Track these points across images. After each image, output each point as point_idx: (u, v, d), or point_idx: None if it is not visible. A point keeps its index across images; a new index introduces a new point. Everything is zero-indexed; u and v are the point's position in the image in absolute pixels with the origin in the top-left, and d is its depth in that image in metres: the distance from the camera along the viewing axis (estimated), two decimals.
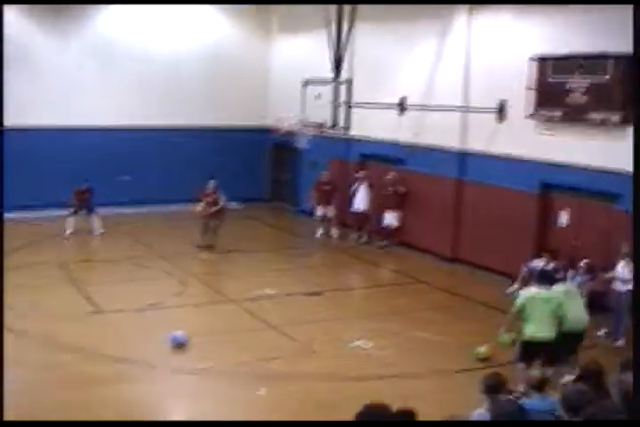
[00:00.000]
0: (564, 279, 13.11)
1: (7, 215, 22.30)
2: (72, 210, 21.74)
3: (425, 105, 20.10)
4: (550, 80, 16.58)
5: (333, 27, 21.30)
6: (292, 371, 12.36)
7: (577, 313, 11.82)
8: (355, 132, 21.75)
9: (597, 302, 14.78)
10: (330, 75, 21.18)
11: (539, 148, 17.16)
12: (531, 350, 11.25)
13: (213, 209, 20.37)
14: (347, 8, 21.10)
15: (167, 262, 19.10)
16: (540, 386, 7.53)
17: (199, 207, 20.54)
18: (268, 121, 26.35)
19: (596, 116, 15.54)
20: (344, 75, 21.36)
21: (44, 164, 24.26)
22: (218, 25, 26.68)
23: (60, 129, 24.38)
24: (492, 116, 18.25)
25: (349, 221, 23.04)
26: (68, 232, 21.60)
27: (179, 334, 13.22)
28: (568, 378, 9.29)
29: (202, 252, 20.15)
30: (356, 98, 20.72)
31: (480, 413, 7.07)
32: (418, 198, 20.82)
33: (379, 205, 21.73)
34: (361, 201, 22.19)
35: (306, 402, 11.18)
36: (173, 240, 21.55)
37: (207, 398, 11.39)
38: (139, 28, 25.50)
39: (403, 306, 16.17)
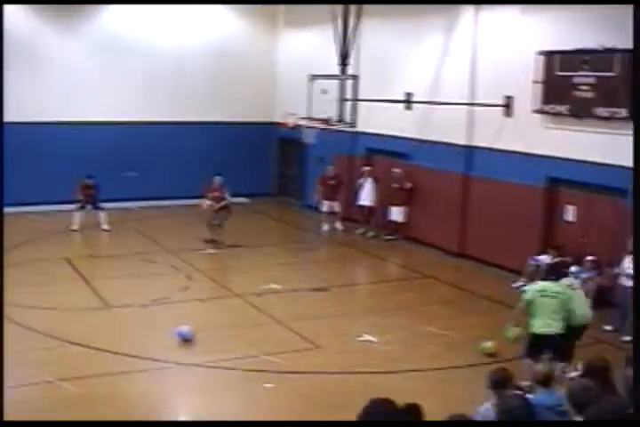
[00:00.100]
0: (569, 274, 13.10)
1: (11, 210, 22.36)
2: (78, 205, 21.80)
3: (431, 100, 20.09)
4: (557, 75, 16.57)
5: (340, 22, 21.31)
6: (298, 366, 12.36)
7: (581, 308, 11.82)
8: (361, 127, 21.74)
9: (604, 298, 14.82)
10: (336, 70, 21.17)
11: (545, 143, 17.15)
12: (538, 345, 11.22)
13: (218, 205, 20.36)
14: (353, 4, 21.10)
15: (173, 257, 19.13)
16: (545, 381, 7.53)
17: (205, 203, 20.54)
18: (275, 116, 26.43)
19: (602, 111, 15.51)
20: (350, 70, 21.35)
21: (50, 159, 24.34)
22: (224, 20, 26.67)
23: (65, 125, 24.42)
24: (499, 111, 18.23)
25: (355, 216, 23.08)
26: (74, 227, 21.66)
27: (185, 329, 13.24)
28: (574, 373, 9.31)
29: (208, 247, 20.16)
30: (362, 93, 20.69)
31: (487, 408, 7.08)
32: (424, 193, 20.83)
33: (384, 199, 21.75)
34: (366, 196, 22.23)
35: (312, 397, 11.21)
36: (180, 235, 21.57)
37: (213, 393, 11.43)
38: (144, 24, 25.52)
39: (409, 301, 16.18)
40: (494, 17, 18.60)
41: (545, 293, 11.37)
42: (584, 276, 15.33)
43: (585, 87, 15.93)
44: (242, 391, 11.52)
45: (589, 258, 15.58)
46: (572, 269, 14.78)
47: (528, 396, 7.11)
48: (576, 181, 16.63)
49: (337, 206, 22.91)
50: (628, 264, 13.92)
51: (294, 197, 27.21)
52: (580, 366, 8.12)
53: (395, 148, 21.84)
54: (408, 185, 21.07)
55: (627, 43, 14.12)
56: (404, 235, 21.50)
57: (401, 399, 6.33)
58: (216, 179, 20.54)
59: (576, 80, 16.11)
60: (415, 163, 21.11)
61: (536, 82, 16.95)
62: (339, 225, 23.02)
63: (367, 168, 22.44)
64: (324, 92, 20.79)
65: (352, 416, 6.15)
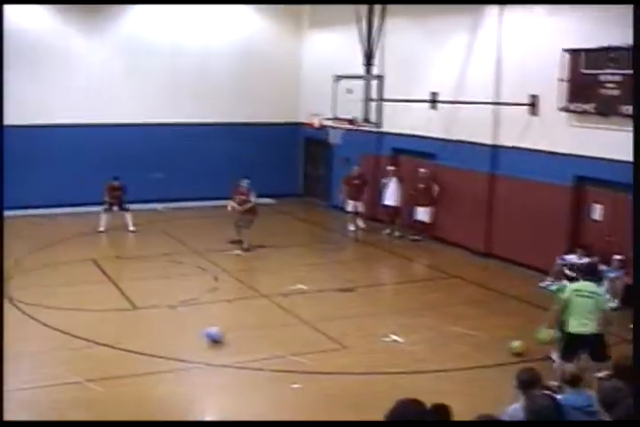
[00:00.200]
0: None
1: (40, 212, 22.64)
2: (105, 206, 21.92)
3: (456, 100, 20.04)
4: (583, 73, 16.48)
5: (364, 22, 21.28)
6: (324, 366, 12.36)
7: None
8: (386, 127, 21.71)
9: (632, 297, 14.72)
10: (361, 70, 21.16)
11: (571, 141, 17.05)
12: (573, 345, 11.15)
13: (242, 208, 20.26)
14: (377, 4, 21.09)
15: (200, 258, 19.18)
16: (573, 381, 7.48)
17: (230, 205, 20.52)
18: (300, 117, 26.46)
19: (628, 108, 15.40)
20: (375, 70, 21.33)
21: (75, 161, 24.50)
22: (249, 21, 26.71)
23: (90, 127, 24.56)
24: (524, 110, 18.16)
25: (381, 216, 23.06)
26: (101, 229, 21.77)
27: (214, 330, 13.27)
28: (603, 373, 9.25)
29: (234, 247, 20.18)
30: (387, 93, 20.64)
31: (515, 408, 7.04)
32: (450, 193, 20.78)
33: (410, 199, 21.72)
34: (391, 195, 22.21)
35: (339, 397, 11.20)
36: (207, 236, 21.61)
37: (240, 394, 11.45)
38: (169, 25, 25.60)
39: (435, 301, 16.14)
40: (519, 16, 18.52)
41: (581, 292, 11.26)
42: (612, 275, 15.27)
43: (611, 85, 15.83)
44: (269, 392, 11.53)
45: (617, 257, 15.50)
46: (600, 268, 14.72)
47: (557, 396, 7.07)
48: (603, 180, 16.53)
49: (360, 206, 22.90)
50: None
51: (320, 197, 27.21)
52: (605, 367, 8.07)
53: (420, 148, 21.80)
54: (435, 189, 21.06)
55: None
56: (430, 235, 21.46)
57: (428, 400, 6.31)
58: (243, 182, 20.52)
59: (602, 78, 16.02)
60: (441, 162, 21.07)
61: (561, 80, 16.87)
62: (361, 223, 23.06)
63: (392, 168, 22.43)
64: (349, 92, 20.76)
65: (379, 417, 6.13)
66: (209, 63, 26.14)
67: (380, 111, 20.62)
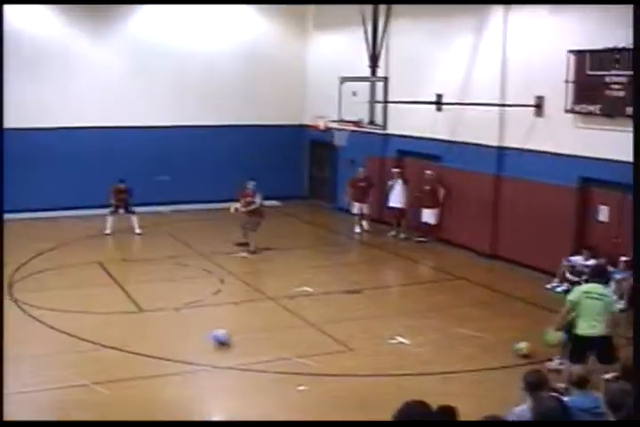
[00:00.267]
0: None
1: (46, 215, 22.70)
2: (111, 209, 21.94)
3: (462, 101, 20.03)
4: (588, 74, 16.46)
5: (369, 24, 21.29)
6: (330, 368, 12.35)
7: None
8: (392, 129, 21.71)
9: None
10: (366, 72, 21.16)
11: (577, 143, 17.02)
12: (582, 347, 11.13)
13: (246, 209, 20.24)
14: (382, 5, 21.09)
15: (206, 261, 19.19)
16: (580, 383, 7.46)
17: (233, 206, 20.49)
18: (305, 119, 26.45)
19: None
20: (380, 72, 21.32)
21: (82, 164, 24.50)
22: (254, 23, 26.70)
23: (95, 129, 24.57)
24: (530, 112, 18.14)
25: (386, 218, 23.05)
26: (107, 231, 21.79)
27: (220, 333, 13.27)
28: (610, 375, 9.23)
29: (240, 250, 20.17)
30: (392, 95, 20.63)
31: (522, 409, 7.04)
32: (456, 195, 20.76)
33: (415, 201, 21.71)
34: (396, 198, 22.18)
35: (345, 399, 11.20)
36: (212, 239, 21.62)
37: (246, 396, 11.44)
38: (175, 28, 25.59)
39: (441, 303, 16.13)
40: (524, 17, 18.50)
41: (590, 294, 11.22)
42: (618, 276, 15.24)
43: (616, 86, 15.79)
44: (275, 394, 11.53)
45: (623, 258, 15.47)
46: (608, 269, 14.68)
47: (563, 398, 7.06)
48: (609, 181, 16.48)
49: (365, 208, 22.89)
50: None
51: (325, 199, 27.20)
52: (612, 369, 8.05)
53: (426, 149, 21.78)
54: (442, 191, 21.04)
55: None
56: (435, 237, 21.45)
57: (434, 402, 6.32)
58: (249, 184, 20.50)
59: (607, 79, 15.99)
60: (446, 164, 21.05)
61: (567, 81, 16.85)
62: (365, 225, 23.05)
63: (397, 170, 22.42)
64: (355, 94, 20.78)
65: (385, 419, 6.14)
66: (214, 66, 26.15)
67: (385, 113, 20.62)
